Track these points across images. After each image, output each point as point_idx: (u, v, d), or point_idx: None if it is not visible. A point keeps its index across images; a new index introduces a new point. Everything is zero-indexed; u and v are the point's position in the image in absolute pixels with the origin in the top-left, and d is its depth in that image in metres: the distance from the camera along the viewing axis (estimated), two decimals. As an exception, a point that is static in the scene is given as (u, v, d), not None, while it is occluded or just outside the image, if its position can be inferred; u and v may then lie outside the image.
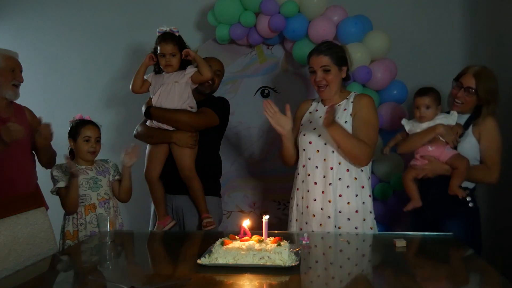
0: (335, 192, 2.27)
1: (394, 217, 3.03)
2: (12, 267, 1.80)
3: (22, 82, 2.59)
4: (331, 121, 2.15)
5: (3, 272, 1.73)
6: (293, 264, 1.56)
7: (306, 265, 1.66)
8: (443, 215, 2.38)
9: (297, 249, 1.71)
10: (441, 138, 2.37)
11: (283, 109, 2.29)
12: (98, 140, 2.54)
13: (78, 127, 2.51)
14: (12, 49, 2.66)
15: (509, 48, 3.08)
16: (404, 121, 2.51)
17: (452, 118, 2.39)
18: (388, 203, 3.02)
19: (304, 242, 1.88)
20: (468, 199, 2.37)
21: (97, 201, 2.47)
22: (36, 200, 2.15)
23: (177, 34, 2.66)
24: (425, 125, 2.41)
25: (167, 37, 2.63)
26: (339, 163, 2.28)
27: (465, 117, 2.47)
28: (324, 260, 1.82)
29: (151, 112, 2.65)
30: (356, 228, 2.27)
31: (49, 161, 2.70)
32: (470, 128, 2.43)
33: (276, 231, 2.05)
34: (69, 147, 2.55)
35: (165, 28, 2.66)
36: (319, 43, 2.46)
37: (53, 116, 3.12)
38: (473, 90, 2.40)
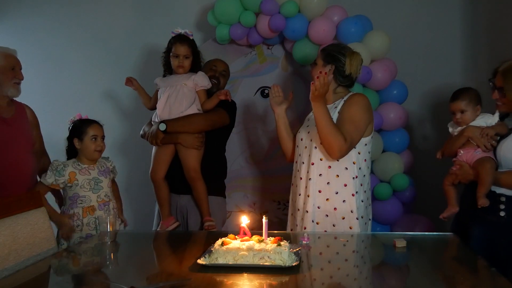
0: (314, 188, 2.29)
1: (394, 217, 3.03)
2: (12, 267, 1.80)
3: (22, 79, 2.59)
4: (318, 95, 2.13)
5: (3, 272, 1.73)
6: (293, 264, 1.56)
7: (306, 265, 1.66)
8: (472, 221, 2.17)
9: (297, 249, 1.71)
10: (472, 141, 2.21)
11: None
12: (103, 138, 2.55)
13: (84, 126, 2.50)
14: (15, 49, 2.66)
15: (509, 48, 3.08)
16: (449, 124, 2.38)
17: (493, 119, 2.21)
18: (388, 203, 3.02)
19: (304, 242, 1.88)
20: (501, 207, 2.10)
21: (97, 203, 2.46)
22: (36, 200, 2.14)
23: (191, 38, 2.70)
24: (461, 127, 2.29)
25: (183, 39, 2.66)
26: (321, 159, 2.29)
27: None
28: (324, 260, 1.82)
29: (167, 125, 2.63)
30: (334, 225, 2.27)
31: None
32: None
33: (276, 231, 2.05)
34: (66, 147, 2.54)
35: (181, 31, 2.69)
36: None
37: (55, 116, 3.13)
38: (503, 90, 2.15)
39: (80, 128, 2.50)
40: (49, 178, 2.44)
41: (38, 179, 2.73)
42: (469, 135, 2.21)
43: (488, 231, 2.10)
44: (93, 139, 2.49)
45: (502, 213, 2.09)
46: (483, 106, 2.32)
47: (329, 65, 2.32)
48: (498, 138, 2.18)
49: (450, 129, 2.37)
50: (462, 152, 2.24)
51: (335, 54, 2.33)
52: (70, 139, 2.53)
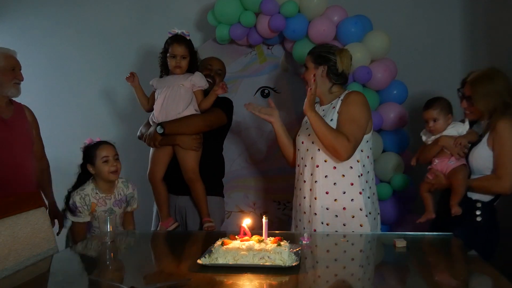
0: (321, 189, 2.29)
1: (394, 217, 3.03)
2: (12, 267, 1.79)
3: (22, 80, 2.60)
4: (310, 105, 2.18)
5: (3, 272, 1.73)
6: (293, 264, 1.56)
7: (306, 265, 1.66)
8: (450, 226, 2.24)
9: (297, 249, 1.71)
10: (445, 150, 2.32)
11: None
12: (117, 158, 2.44)
13: (92, 150, 2.41)
14: (15, 49, 2.66)
15: (509, 49, 3.08)
16: (422, 133, 2.47)
17: (464, 127, 2.32)
18: (388, 203, 3.02)
19: (304, 242, 1.88)
20: (477, 212, 2.26)
21: None
22: (36, 200, 2.14)
23: (188, 38, 2.68)
24: (434, 136, 2.38)
25: (180, 39, 2.65)
26: (325, 161, 2.29)
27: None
28: (324, 260, 1.82)
29: (165, 127, 2.62)
30: (344, 225, 2.28)
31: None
32: (487, 135, 2.26)
33: (276, 231, 2.05)
34: (78, 173, 2.48)
35: (177, 31, 2.68)
36: None
37: (54, 115, 3.13)
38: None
39: (89, 152, 2.42)
40: (85, 216, 2.36)
41: (40, 180, 2.74)
42: (443, 145, 2.33)
43: (466, 235, 2.13)
44: (105, 161, 2.39)
45: (478, 218, 2.26)
46: (461, 114, 2.42)
47: (321, 66, 2.34)
48: (470, 145, 2.31)
49: (424, 138, 2.47)
50: (437, 161, 2.36)
51: (325, 54, 2.34)
52: (83, 166, 2.46)
